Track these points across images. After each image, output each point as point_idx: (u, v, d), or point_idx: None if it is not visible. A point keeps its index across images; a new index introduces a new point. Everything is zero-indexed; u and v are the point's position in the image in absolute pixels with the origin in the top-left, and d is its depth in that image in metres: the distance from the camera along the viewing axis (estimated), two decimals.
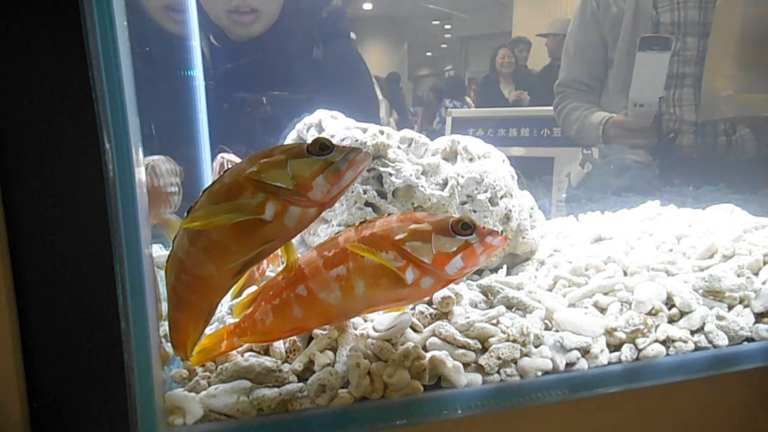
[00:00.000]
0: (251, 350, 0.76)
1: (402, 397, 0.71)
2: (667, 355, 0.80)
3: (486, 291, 0.88)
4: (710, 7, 1.61)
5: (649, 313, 0.83)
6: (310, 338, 0.77)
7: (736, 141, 1.68)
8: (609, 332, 0.80)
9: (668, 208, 1.34)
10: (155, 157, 0.92)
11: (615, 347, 0.80)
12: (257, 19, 1.50)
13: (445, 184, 0.99)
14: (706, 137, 1.69)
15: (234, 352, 0.74)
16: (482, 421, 0.74)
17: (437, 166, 1.00)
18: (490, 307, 0.84)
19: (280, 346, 0.75)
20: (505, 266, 1.01)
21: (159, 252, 0.89)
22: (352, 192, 0.94)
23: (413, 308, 0.82)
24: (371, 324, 0.79)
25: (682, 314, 0.85)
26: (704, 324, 0.84)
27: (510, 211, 1.01)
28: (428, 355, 0.74)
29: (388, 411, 0.70)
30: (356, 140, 0.95)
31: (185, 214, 0.65)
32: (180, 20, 1.30)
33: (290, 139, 1.08)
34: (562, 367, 0.77)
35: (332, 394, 0.69)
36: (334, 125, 1.02)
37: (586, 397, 0.76)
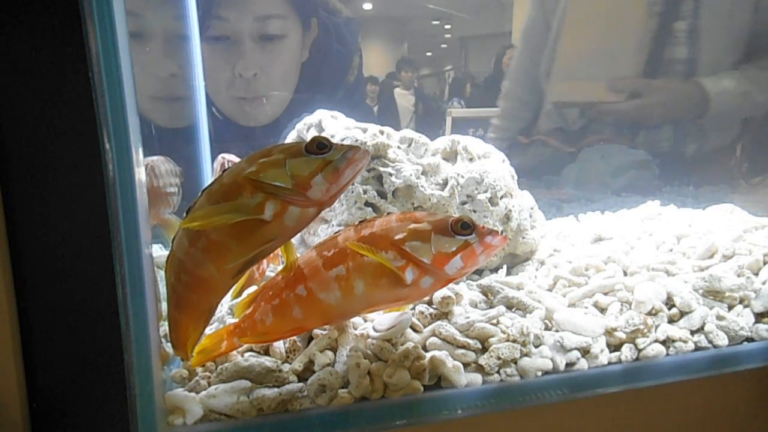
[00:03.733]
0: (251, 350, 0.76)
1: (402, 397, 0.71)
2: (667, 355, 0.80)
3: (486, 291, 0.88)
4: None
5: (649, 313, 0.83)
6: (310, 338, 0.77)
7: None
8: (609, 332, 0.80)
9: (668, 208, 1.34)
10: (155, 158, 0.92)
11: (615, 347, 0.80)
12: (265, 110, 1.41)
13: (445, 184, 0.99)
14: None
15: (234, 352, 0.74)
16: (482, 421, 0.74)
17: (437, 166, 1.00)
18: (490, 307, 0.84)
19: (280, 346, 0.75)
20: (505, 266, 1.01)
21: (159, 252, 0.89)
22: (352, 192, 0.94)
23: (413, 308, 0.82)
24: (371, 324, 0.79)
25: (682, 314, 0.85)
26: (704, 324, 0.84)
27: (510, 211, 1.01)
28: (428, 355, 0.74)
29: (388, 411, 0.70)
30: (356, 140, 0.95)
31: (184, 214, 0.65)
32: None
33: (290, 139, 1.08)
34: (562, 367, 0.77)
35: (332, 394, 0.69)
36: (334, 125, 1.02)
37: (586, 397, 0.76)
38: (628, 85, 1.61)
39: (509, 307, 0.85)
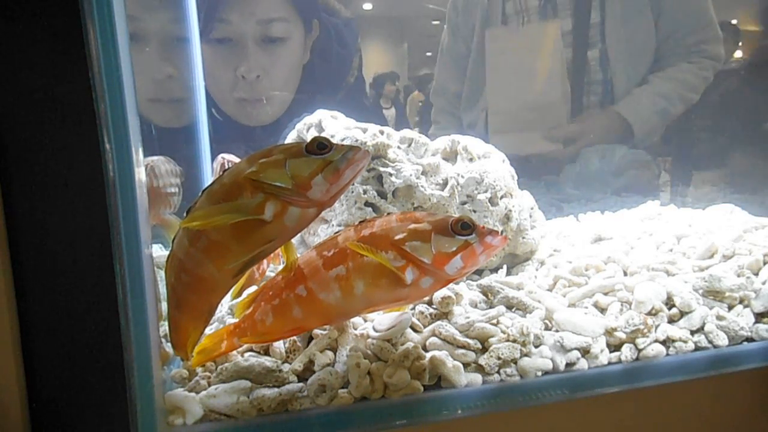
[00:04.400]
0: (251, 350, 0.76)
1: (402, 397, 0.71)
2: (667, 355, 0.80)
3: (486, 291, 0.88)
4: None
5: (649, 313, 0.83)
6: (310, 338, 0.77)
7: None
8: (609, 332, 0.80)
9: (668, 208, 1.34)
10: (155, 158, 0.92)
11: (615, 347, 0.80)
12: (266, 111, 1.41)
13: (445, 184, 0.99)
14: None
15: (234, 352, 0.74)
16: (482, 421, 0.74)
17: (437, 166, 1.00)
18: (490, 307, 0.84)
19: (280, 346, 0.75)
20: (505, 266, 1.01)
21: (159, 252, 0.89)
22: (352, 192, 0.94)
23: (413, 308, 0.82)
24: (371, 324, 0.79)
25: (682, 314, 0.85)
26: (704, 324, 0.84)
27: (510, 211, 1.01)
28: (428, 355, 0.74)
29: (388, 411, 0.70)
30: (356, 140, 0.95)
31: (185, 214, 0.65)
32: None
33: (290, 139, 1.08)
34: (562, 367, 0.77)
35: (332, 394, 0.69)
36: (334, 125, 1.02)
37: (586, 397, 0.76)
38: (561, 134, 1.72)
39: (509, 307, 0.85)
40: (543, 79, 1.68)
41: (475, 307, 0.85)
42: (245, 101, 1.42)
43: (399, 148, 1.00)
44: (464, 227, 0.66)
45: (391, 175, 0.95)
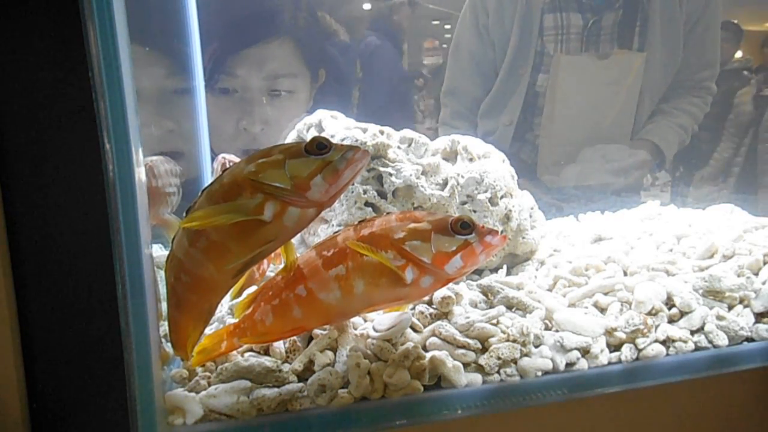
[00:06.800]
0: (251, 350, 0.76)
1: (402, 397, 0.71)
2: (667, 355, 0.80)
3: (486, 291, 0.88)
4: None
5: (649, 313, 0.83)
6: (310, 338, 0.77)
7: None
8: (609, 332, 0.80)
9: (668, 208, 1.34)
10: (154, 158, 0.91)
11: (615, 347, 0.80)
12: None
13: (445, 184, 0.99)
14: None
15: (234, 352, 0.74)
16: (482, 421, 0.74)
17: (437, 166, 1.00)
18: (490, 307, 0.84)
19: (280, 346, 0.75)
20: (505, 266, 1.01)
21: (159, 252, 0.89)
22: (352, 192, 0.94)
23: (413, 308, 0.82)
24: (371, 324, 0.79)
25: (682, 314, 0.85)
26: (704, 324, 0.84)
27: (510, 211, 1.01)
28: (428, 355, 0.74)
29: (388, 411, 0.70)
30: (356, 140, 0.95)
31: (184, 214, 0.65)
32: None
33: (290, 139, 1.08)
34: (562, 367, 0.77)
35: (332, 394, 0.69)
36: (334, 125, 1.02)
37: (586, 397, 0.76)
38: (622, 165, 1.76)
39: (509, 307, 0.85)
40: (616, 112, 1.71)
41: (475, 307, 0.85)
42: (248, 153, 1.41)
43: (399, 148, 1.00)
44: (464, 227, 0.66)
45: (391, 175, 0.95)
